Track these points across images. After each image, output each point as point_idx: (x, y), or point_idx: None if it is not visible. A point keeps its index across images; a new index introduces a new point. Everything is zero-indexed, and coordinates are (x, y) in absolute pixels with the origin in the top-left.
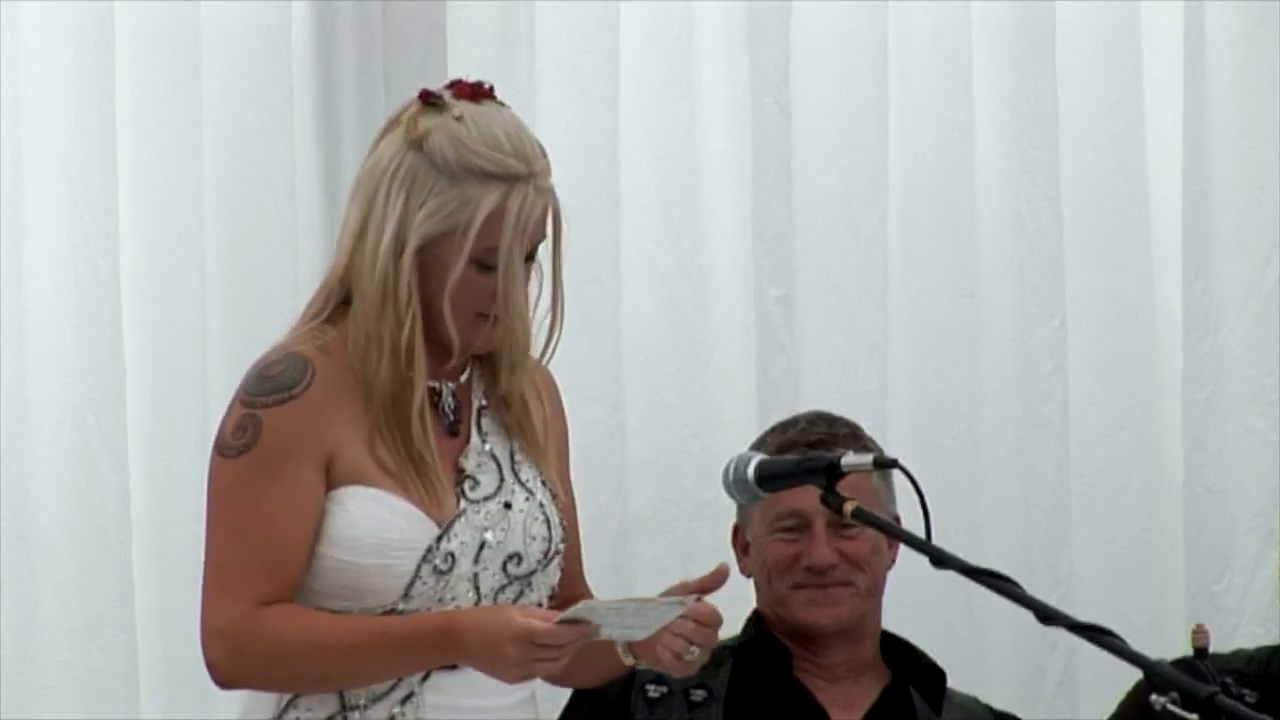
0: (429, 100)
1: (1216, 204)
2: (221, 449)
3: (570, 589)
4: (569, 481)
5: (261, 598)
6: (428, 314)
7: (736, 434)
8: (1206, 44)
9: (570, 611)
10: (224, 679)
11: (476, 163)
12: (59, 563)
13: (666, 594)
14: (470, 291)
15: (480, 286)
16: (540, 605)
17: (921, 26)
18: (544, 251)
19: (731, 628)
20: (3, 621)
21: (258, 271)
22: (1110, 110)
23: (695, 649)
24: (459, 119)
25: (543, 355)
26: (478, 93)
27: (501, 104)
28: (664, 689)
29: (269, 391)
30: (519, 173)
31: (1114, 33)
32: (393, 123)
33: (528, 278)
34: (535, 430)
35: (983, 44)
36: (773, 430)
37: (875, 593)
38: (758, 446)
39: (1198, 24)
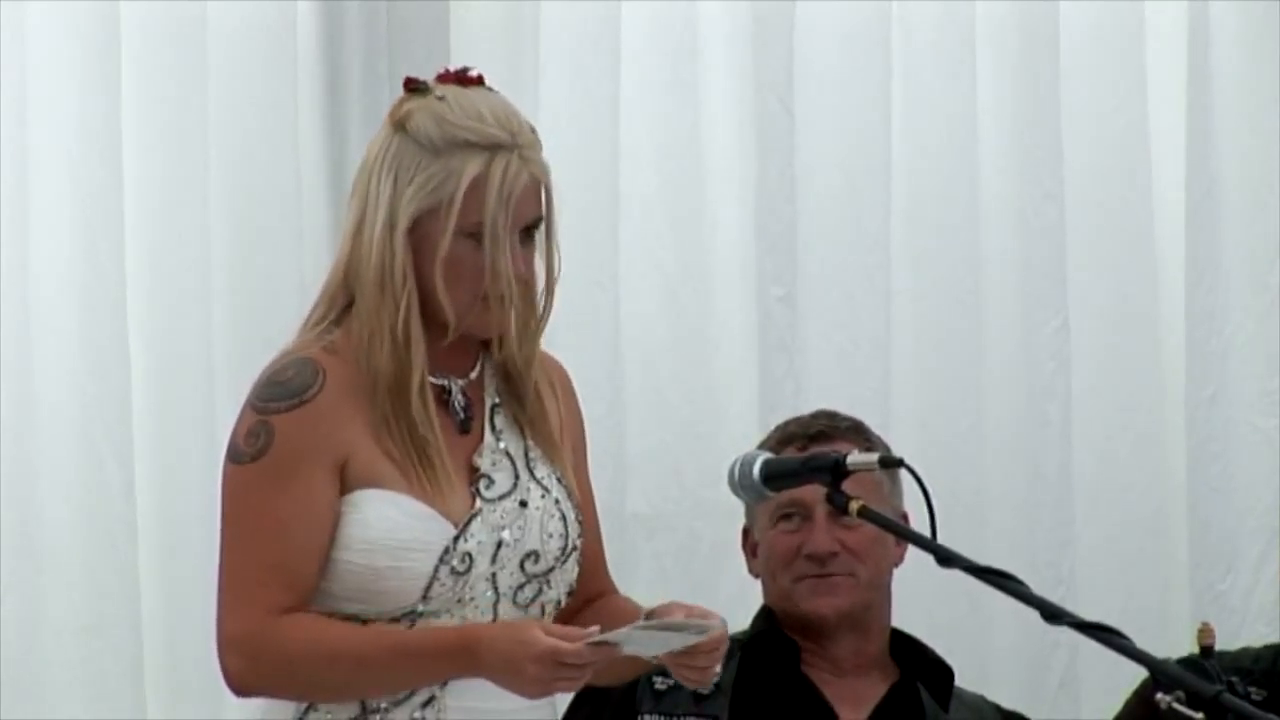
0: (413, 87)
1: (1221, 203)
2: (234, 456)
3: (595, 583)
4: (586, 476)
5: (278, 605)
6: (426, 300)
7: (738, 433)
8: (1210, 43)
9: (601, 635)
10: (241, 688)
11: (458, 134)
12: (64, 562)
13: (656, 613)
14: (464, 268)
15: (474, 263)
16: (559, 602)
17: (925, 25)
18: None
19: (740, 625)
20: (8, 621)
21: (263, 270)
22: (1114, 109)
23: (716, 671)
24: (441, 98)
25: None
26: (464, 79)
27: (490, 90)
28: (670, 682)
29: (281, 397)
30: (501, 141)
31: (1117, 32)
32: (382, 122)
33: (530, 256)
34: (550, 427)
35: (986, 43)
36: (776, 428)
37: (877, 584)
38: (762, 445)
39: (1201, 23)
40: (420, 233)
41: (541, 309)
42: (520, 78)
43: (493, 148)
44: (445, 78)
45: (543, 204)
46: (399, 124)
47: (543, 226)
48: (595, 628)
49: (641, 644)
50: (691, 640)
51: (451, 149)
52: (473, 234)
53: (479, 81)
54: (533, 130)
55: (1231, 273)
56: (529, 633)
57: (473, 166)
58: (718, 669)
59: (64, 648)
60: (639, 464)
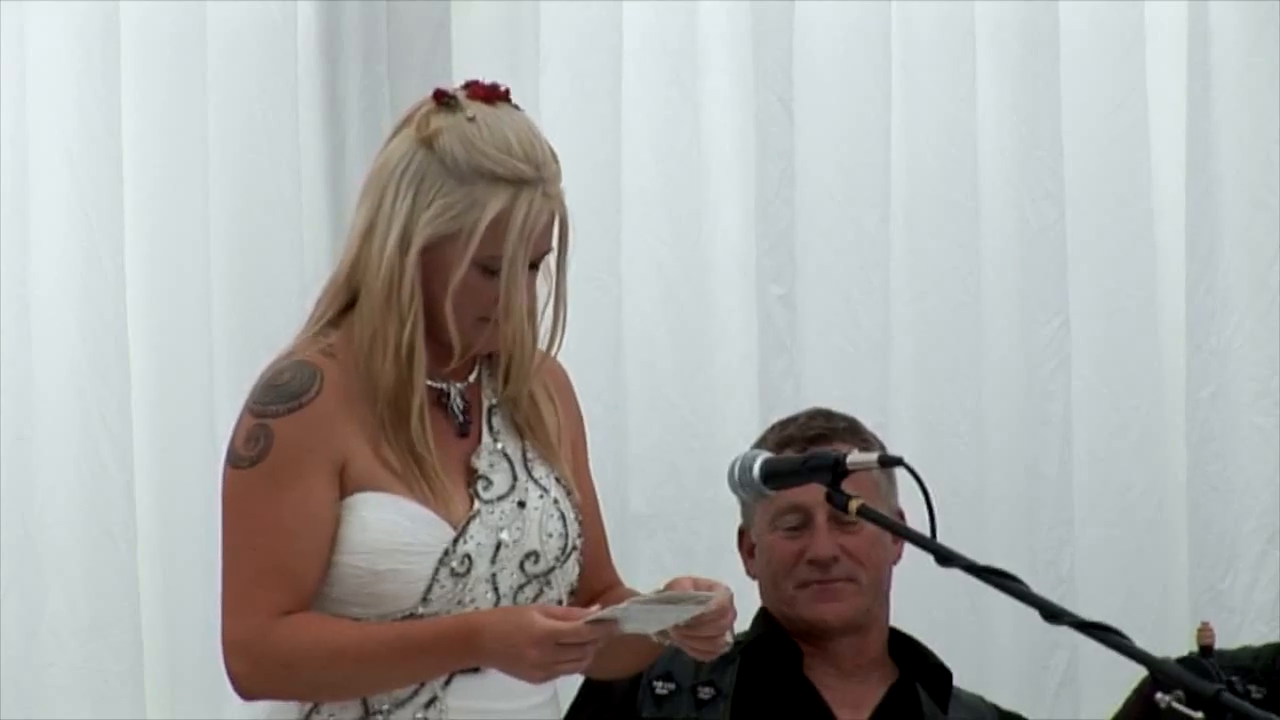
0: (442, 100)
1: (1220, 202)
2: (233, 460)
3: (600, 580)
4: (588, 475)
5: (279, 608)
6: (431, 315)
7: (738, 432)
8: (1210, 43)
9: (599, 613)
10: (246, 691)
11: (485, 165)
12: (65, 563)
13: (670, 585)
14: (473, 295)
15: (483, 290)
16: (560, 602)
17: (925, 25)
18: (550, 256)
19: (739, 626)
20: (8, 621)
21: (262, 270)
22: (1114, 109)
23: (726, 639)
24: (471, 119)
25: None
26: (492, 95)
27: (516, 107)
28: (671, 686)
29: (278, 400)
30: (528, 177)
31: (1118, 31)
32: (405, 121)
33: (533, 284)
34: (546, 430)
35: (986, 43)
36: (773, 428)
37: (879, 587)
38: (759, 444)
39: (1202, 23)
40: (433, 255)
41: (552, 338)
42: (520, 77)
43: (518, 183)
44: (475, 93)
45: (556, 236)
46: (426, 140)
47: (554, 258)
48: (594, 606)
49: (641, 620)
50: (691, 613)
51: (476, 178)
52: (486, 265)
53: (505, 97)
54: (555, 159)
55: (1231, 273)
56: (527, 617)
57: (496, 202)
58: (728, 637)
59: (64, 648)
60: (639, 463)
